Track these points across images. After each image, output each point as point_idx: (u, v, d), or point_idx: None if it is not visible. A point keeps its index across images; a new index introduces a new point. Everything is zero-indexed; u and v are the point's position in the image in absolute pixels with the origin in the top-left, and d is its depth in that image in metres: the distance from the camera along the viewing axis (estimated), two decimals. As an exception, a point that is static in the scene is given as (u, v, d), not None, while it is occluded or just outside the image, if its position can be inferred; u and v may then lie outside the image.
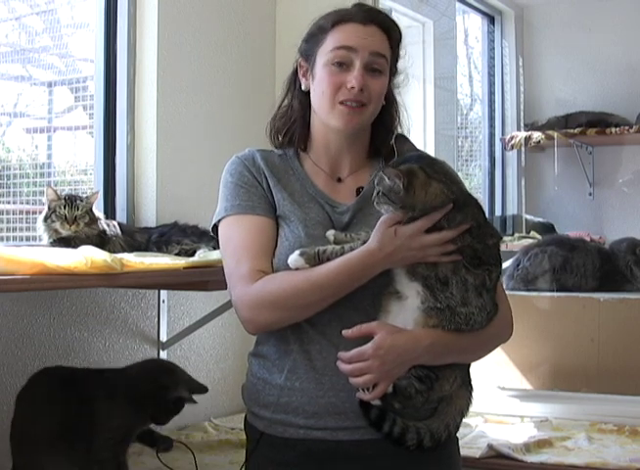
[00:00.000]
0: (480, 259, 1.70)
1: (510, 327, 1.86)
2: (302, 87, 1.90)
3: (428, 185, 1.66)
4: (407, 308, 1.72)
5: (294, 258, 1.74)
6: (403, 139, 1.82)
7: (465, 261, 1.69)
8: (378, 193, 1.69)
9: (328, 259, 1.72)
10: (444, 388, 1.76)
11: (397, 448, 1.74)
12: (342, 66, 1.81)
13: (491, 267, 1.73)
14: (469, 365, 1.83)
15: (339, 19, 1.84)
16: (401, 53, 1.92)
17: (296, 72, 1.92)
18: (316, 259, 1.73)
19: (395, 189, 1.65)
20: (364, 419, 1.73)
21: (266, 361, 1.85)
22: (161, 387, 2.17)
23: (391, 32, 1.87)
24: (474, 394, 1.83)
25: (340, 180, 1.92)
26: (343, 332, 1.71)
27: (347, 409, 1.76)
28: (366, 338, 1.70)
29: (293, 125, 1.92)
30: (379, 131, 1.93)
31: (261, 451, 1.84)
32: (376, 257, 1.68)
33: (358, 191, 1.89)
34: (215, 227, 1.90)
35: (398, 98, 1.96)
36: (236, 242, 1.83)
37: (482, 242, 1.71)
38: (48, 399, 2.15)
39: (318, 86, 1.84)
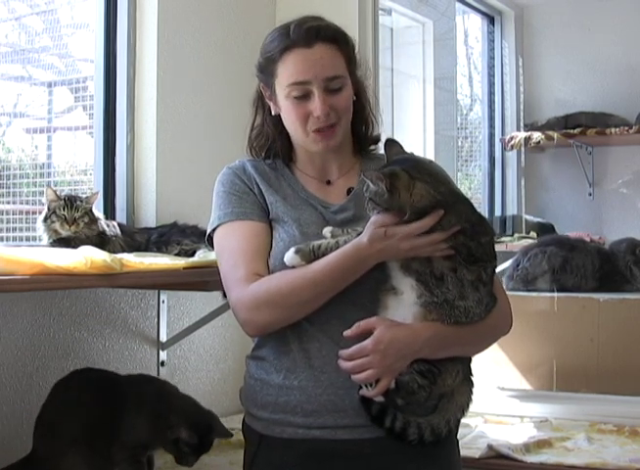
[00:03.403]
0: (475, 257, 1.71)
1: (509, 319, 1.87)
2: (272, 112, 1.90)
3: (412, 186, 1.67)
4: (405, 304, 1.72)
5: (289, 256, 1.75)
6: (392, 144, 1.84)
7: (460, 259, 1.69)
8: (367, 199, 1.70)
9: (323, 255, 1.73)
10: (447, 382, 1.76)
11: (397, 447, 1.75)
12: (303, 96, 1.81)
13: (486, 264, 1.73)
14: (470, 360, 1.84)
15: (283, 47, 1.82)
16: (354, 48, 1.90)
17: (261, 95, 1.93)
18: (312, 255, 1.74)
19: (380, 192, 1.66)
20: (365, 415, 1.73)
21: (264, 362, 1.85)
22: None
23: (338, 42, 1.85)
24: (474, 391, 1.83)
25: (329, 183, 1.93)
26: (344, 333, 1.71)
27: (347, 407, 1.76)
28: (367, 335, 1.70)
29: (273, 144, 1.93)
30: (355, 125, 1.94)
31: (262, 455, 1.84)
32: (366, 251, 1.69)
33: (349, 191, 1.91)
34: (210, 238, 1.91)
35: (365, 82, 1.95)
36: (231, 247, 1.83)
37: (476, 240, 1.71)
38: (78, 400, 2.22)
39: (287, 117, 1.86)
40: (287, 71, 1.82)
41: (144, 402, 2.24)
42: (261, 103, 1.94)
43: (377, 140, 1.95)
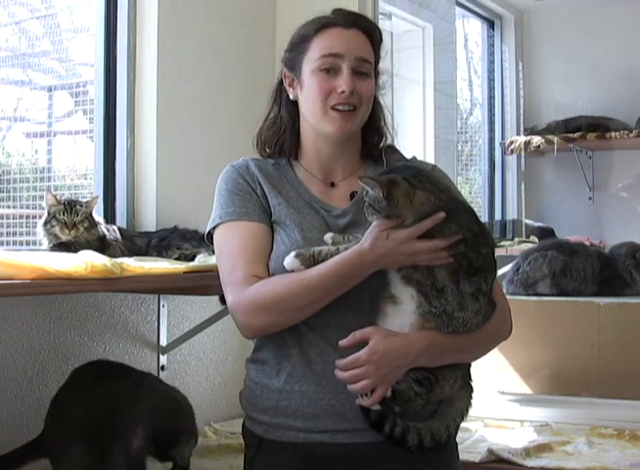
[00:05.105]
0: (475, 268, 1.70)
1: (509, 323, 1.86)
2: (290, 97, 1.91)
3: (412, 194, 1.66)
4: (403, 313, 1.72)
5: (289, 260, 1.74)
6: (392, 150, 1.84)
7: (462, 272, 1.68)
8: (366, 205, 1.70)
9: (323, 261, 1.72)
10: (444, 389, 1.76)
11: (397, 451, 1.74)
12: (331, 71, 1.83)
13: (487, 274, 1.73)
14: (469, 365, 1.83)
15: (321, 25, 1.86)
16: (382, 54, 1.93)
17: (281, 83, 1.94)
18: (312, 261, 1.73)
19: (378, 199, 1.66)
20: (365, 421, 1.73)
21: (265, 366, 1.84)
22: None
23: (373, 35, 1.89)
24: (474, 396, 1.83)
25: (333, 185, 1.93)
26: (340, 342, 1.71)
27: (347, 411, 1.76)
28: (363, 344, 1.70)
29: (282, 135, 1.93)
30: (368, 134, 1.95)
31: (261, 458, 1.84)
32: (367, 257, 1.68)
33: (352, 195, 1.90)
34: (210, 235, 1.90)
35: (381, 100, 1.97)
36: (230, 248, 1.83)
37: (476, 251, 1.70)
38: (88, 392, 2.23)
39: (308, 94, 1.85)
40: (320, 45, 1.84)
41: (143, 416, 2.19)
42: (279, 94, 1.94)
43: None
